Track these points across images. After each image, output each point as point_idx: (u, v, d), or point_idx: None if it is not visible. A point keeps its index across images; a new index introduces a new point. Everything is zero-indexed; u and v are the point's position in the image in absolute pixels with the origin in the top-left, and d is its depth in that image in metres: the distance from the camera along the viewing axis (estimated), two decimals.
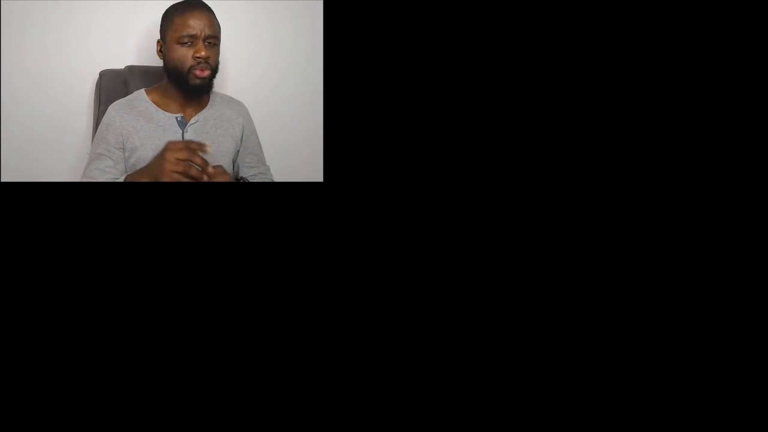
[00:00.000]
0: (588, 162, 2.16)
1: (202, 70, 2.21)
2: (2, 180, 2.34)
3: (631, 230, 2.16)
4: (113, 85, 2.38)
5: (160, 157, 2.10)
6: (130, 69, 2.41)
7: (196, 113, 2.29)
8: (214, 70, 2.26)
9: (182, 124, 2.26)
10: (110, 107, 2.26)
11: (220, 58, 2.31)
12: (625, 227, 2.16)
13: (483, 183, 2.16)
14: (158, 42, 2.27)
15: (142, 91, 2.30)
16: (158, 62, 2.35)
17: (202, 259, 2.13)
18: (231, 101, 2.39)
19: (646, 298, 2.14)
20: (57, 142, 2.44)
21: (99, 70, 2.42)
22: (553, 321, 2.14)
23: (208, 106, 2.32)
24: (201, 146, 2.10)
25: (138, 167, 2.21)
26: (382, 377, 2.12)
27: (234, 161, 2.39)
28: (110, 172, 2.20)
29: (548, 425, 2.12)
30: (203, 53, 2.20)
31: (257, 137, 2.45)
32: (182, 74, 2.22)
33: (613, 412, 2.12)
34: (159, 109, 2.25)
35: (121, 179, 2.21)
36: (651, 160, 2.16)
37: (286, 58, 2.68)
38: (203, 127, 2.28)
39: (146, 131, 2.22)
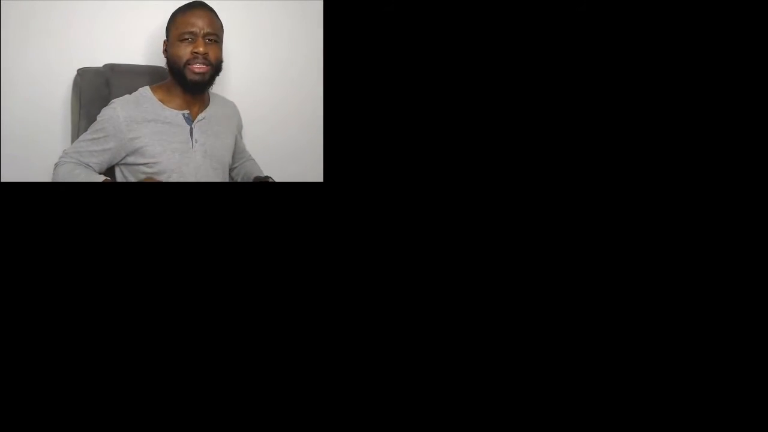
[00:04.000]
0: (588, 162, 2.16)
1: (199, 66, 2.26)
2: (2, 180, 2.34)
3: (631, 230, 2.16)
4: (94, 84, 2.37)
5: None
6: (112, 67, 2.40)
7: (201, 111, 2.33)
8: (216, 68, 2.32)
9: (189, 120, 2.31)
10: (114, 103, 2.28)
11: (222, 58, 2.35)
12: (625, 227, 2.16)
13: (483, 183, 2.16)
14: (164, 42, 2.33)
15: (147, 88, 2.33)
16: (135, 62, 2.42)
17: (202, 259, 2.13)
18: (225, 100, 2.48)
19: (646, 298, 2.15)
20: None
21: (76, 69, 2.40)
22: (553, 321, 2.14)
23: (210, 104, 2.37)
24: None
25: (146, 164, 2.24)
26: (382, 377, 2.12)
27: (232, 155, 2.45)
28: (100, 155, 2.23)
29: (548, 425, 2.12)
30: (201, 49, 2.26)
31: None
32: (180, 69, 2.28)
33: (613, 412, 2.12)
34: (165, 106, 2.29)
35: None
36: (651, 160, 2.16)
37: (286, 58, 2.68)
38: (209, 124, 2.34)
39: (152, 128, 2.26)
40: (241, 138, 2.54)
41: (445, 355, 2.13)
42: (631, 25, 2.17)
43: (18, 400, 2.08)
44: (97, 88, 2.36)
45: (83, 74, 2.37)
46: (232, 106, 2.48)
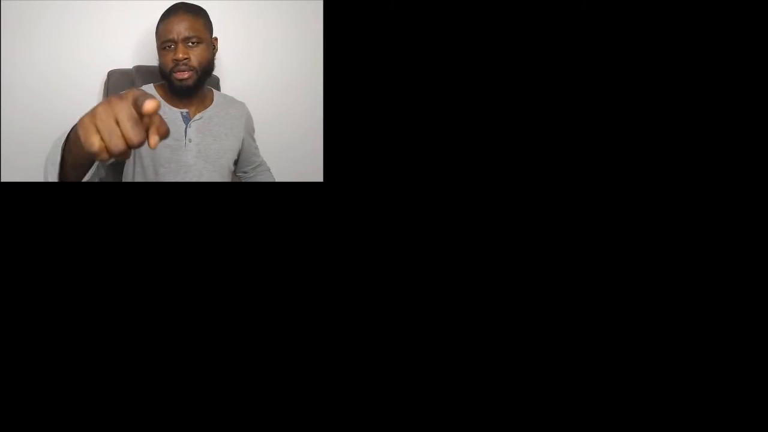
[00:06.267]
0: (588, 162, 2.17)
1: (181, 72, 2.25)
2: (2, 180, 2.34)
3: (631, 231, 2.16)
4: (120, 85, 2.41)
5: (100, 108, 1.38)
6: (138, 69, 2.43)
7: (200, 111, 2.33)
8: (203, 71, 2.30)
9: (186, 119, 2.30)
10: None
11: (220, 58, 2.33)
12: (625, 227, 2.16)
13: (483, 183, 2.16)
14: None
15: (151, 85, 2.34)
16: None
17: (201, 259, 2.13)
18: (234, 101, 2.44)
19: (646, 299, 2.15)
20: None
21: (107, 71, 2.44)
22: (553, 321, 2.14)
23: (212, 105, 2.36)
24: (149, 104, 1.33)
25: (140, 155, 2.26)
26: (382, 377, 2.12)
27: (236, 159, 2.43)
28: None
29: (548, 425, 2.12)
30: (180, 55, 2.24)
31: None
32: (167, 77, 2.29)
33: (613, 412, 2.13)
34: (166, 103, 2.29)
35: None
36: (651, 160, 2.16)
37: (286, 58, 2.68)
38: (207, 124, 2.33)
39: None
40: (254, 141, 2.50)
41: (445, 355, 2.13)
42: (632, 25, 2.17)
43: (18, 400, 2.08)
44: (122, 89, 2.38)
45: (111, 76, 2.42)
46: (240, 108, 2.46)
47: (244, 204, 2.15)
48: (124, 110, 1.27)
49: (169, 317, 2.12)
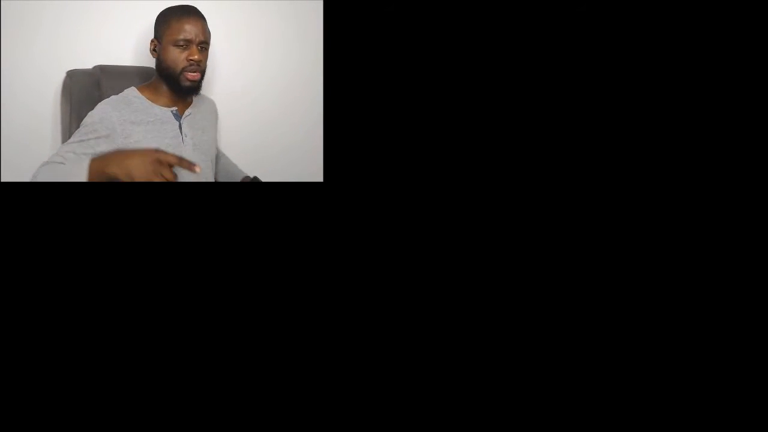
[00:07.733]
0: (588, 162, 2.17)
1: (193, 73, 2.30)
2: (2, 180, 2.34)
3: (631, 230, 2.16)
4: (83, 86, 2.37)
5: (146, 157, 2.09)
6: (102, 69, 2.41)
7: (186, 108, 2.36)
8: (203, 73, 2.35)
9: (177, 116, 2.33)
10: (103, 103, 2.27)
11: (216, 60, 2.36)
12: (625, 227, 2.16)
13: (482, 182, 2.16)
14: (152, 41, 2.33)
15: (134, 88, 2.35)
16: (127, 62, 2.44)
17: (202, 259, 2.13)
18: (204, 97, 2.51)
19: (646, 299, 2.15)
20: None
21: (65, 71, 2.40)
22: (552, 321, 2.14)
23: (193, 103, 2.40)
24: (191, 166, 2.12)
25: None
26: (382, 377, 2.12)
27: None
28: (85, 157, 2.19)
29: (548, 425, 2.12)
30: (196, 57, 2.29)
31: None
32: (175, 75, 2.30)
33: (613, 412, 2.13)
34: (153, 104, 2.31)
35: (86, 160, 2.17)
36: (651, 160, 2.16)
37: (287, 58, 2.68)
38: (195, 119, 2.38)
39: (145, 127, 2.27)
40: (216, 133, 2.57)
41: (445, 355, 2.13)
42: (632, 25, 2.17)
43: (18, 401, 2.08)
44: (87, 90, 2.36)
45: (72, 76, 2.38)
46: (210, 103, 2.52)
47: (244, 203, 2.15)
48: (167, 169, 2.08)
49: (171, 315, 2.12)
